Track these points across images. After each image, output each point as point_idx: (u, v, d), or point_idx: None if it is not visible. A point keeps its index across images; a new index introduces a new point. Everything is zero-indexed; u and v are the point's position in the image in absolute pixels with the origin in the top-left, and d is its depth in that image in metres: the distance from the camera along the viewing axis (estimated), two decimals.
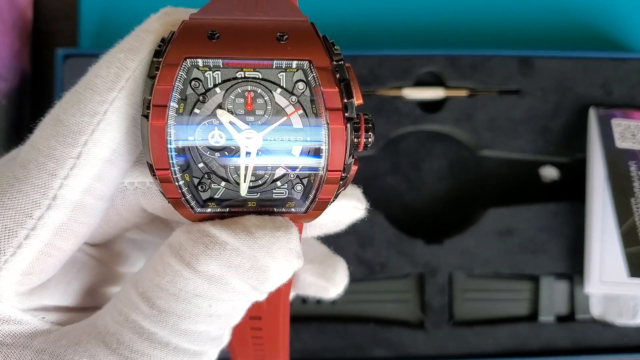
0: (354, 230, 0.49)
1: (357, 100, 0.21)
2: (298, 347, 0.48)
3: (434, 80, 0.50)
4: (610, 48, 0.54)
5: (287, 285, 0.27)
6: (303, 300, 0.49)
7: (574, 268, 0.49)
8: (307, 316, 0.49)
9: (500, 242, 0.49)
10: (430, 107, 0.50)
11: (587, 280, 0.46)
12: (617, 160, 0.47)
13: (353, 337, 0.48)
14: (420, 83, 0.50)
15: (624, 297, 0.48)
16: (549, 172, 0.51)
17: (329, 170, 0.21)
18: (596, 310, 0.49)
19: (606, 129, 0.48)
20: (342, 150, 0.21)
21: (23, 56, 0.51)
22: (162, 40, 0.20)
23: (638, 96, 0.50)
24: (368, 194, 0.28)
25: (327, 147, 0.21)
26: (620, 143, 0.48)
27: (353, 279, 0.49)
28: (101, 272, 0.26)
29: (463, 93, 0.50)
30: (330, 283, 0.29)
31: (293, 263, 0.22)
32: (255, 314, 0.27)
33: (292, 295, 0.31)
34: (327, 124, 0.20)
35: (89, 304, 0.25)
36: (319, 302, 0.49)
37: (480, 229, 0.49)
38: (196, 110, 0.20)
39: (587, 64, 0.50)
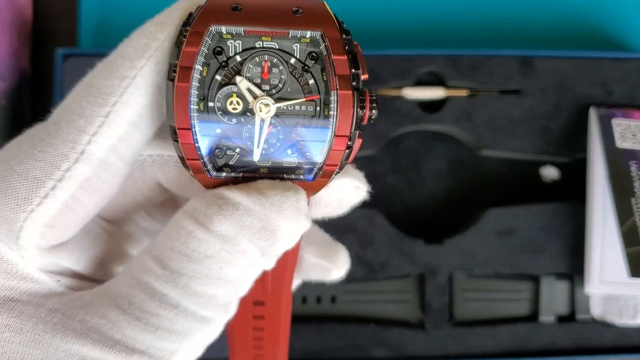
0: (354, 230, 0.49)
1: (363, 75, 0.23)
2: (298, 347, 0.48)
3: (434, 80, 0.50)
4: (611, 48, 0.54)
5: (291, 266, 0.27)
6: (303, 299, 0.49)
7: (574, 268, 0.49)
8: (307, 316, 0.49)
9: (501, 242, 0.49)
10: (431, 107, 0.50)
11: (588, 280, 0.46)
12: (617, 160, 0.47)
13: (353, 337, 0.48)
14: (420, 83, 0.50)
15: (624, 297, 0.48)
16: (550, 172, 0.51)
17: (337, 136, 0.22)
18: (596, 310, 0.49)
19: (606, 128, 0.48)
20: (350, 116, 0.22)
21: (23, 55, 0.51)
22: (190, 15, 0.22)
23: (638, 96, 0.50)
24: (368, 194, 0.28)
25: (335, 112, 0.22)
26: (621, 143, 0.48)
27: (353, 279, 0.49)
28: (114, 247, 0.27)
29: (463, 93, 0.50)
30: (333, 264, 0.30)
31: (302, 222, 0.23)
32: (259, 298, 0.27)
33: (295, 283, 0.31)
34: (337, 89, 0.22)
35: (99, 276, 0.26)
36: (319, 301, 0.49)
37: (481, 229, 0.49)
38: (217, 77, 0.22)
39: (588, 63, 0.50)
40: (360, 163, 0.28)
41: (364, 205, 0.39)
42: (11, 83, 0.49)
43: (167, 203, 0.27)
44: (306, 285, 0.48)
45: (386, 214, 0.49)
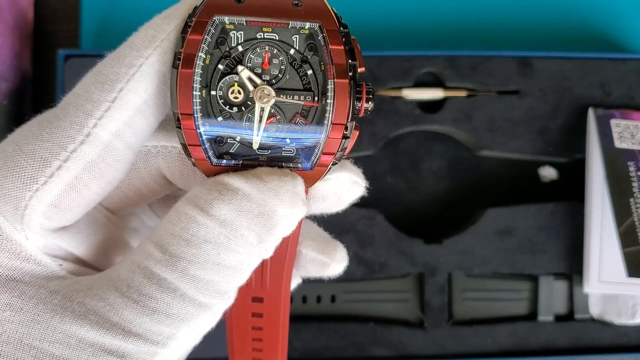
0: (353, 230, 0.50)
1: (360, 68, 0.23)
2: (298, 347, 0.48)
3: (434, 81, 0.50)
4: (609, 48, 0.54)
5: (290, 260, 0.27)
6: (303, 299, 0.49)
7: (572, 268, 0.49)
8: (307, 315, 0.49)
9: (500, 241, 0.49)
10: (430, 107, 0.50)
11: (586, 280, 0.47)
12: (615, 161, 0.48)
13: (353, 337, 0.48)
14: (419, 83, 0.50)
15: (622, 296, 0.48)
16: (548, 172, 0.51)
17: (333, 124, 0.23)
18: (595, 309, 0.49)
19: (605, 129, 0.48)
20: (346, 105, 0.23)
21: (24, 56, 0.51)
22: (195, 8, 0.23)
23: (637, 96, 0.50)
24: (368, 194, 0.28)
25: (332, 101, 0.23)
26: (619, 143, 0.48)
27: (353, 279, 0.49)
28: (117, 238, 0.28)
29: (462, 93, 0.50)
30: (331, 259, 0.30)
31: (299, 207, 0.23)
32: (258, 294, 0.28)
33: (295, 283, 0.31)
34: (334, 78, 0.23)
35: (101, 264, 0.26)
36: (319, 300, 0.49)
37: (480, 229, 0.49)
38: (220, 66, 0.23)
39: (586, 64, 0.50)
40: (360, 163, 0.28)
41: (364, 205, 0.39)
42: (13, 84, 0.49)
43: (172, 201, 0.27)
44: (306, 285, 0.49)
45: (386, 214, 0.49)
